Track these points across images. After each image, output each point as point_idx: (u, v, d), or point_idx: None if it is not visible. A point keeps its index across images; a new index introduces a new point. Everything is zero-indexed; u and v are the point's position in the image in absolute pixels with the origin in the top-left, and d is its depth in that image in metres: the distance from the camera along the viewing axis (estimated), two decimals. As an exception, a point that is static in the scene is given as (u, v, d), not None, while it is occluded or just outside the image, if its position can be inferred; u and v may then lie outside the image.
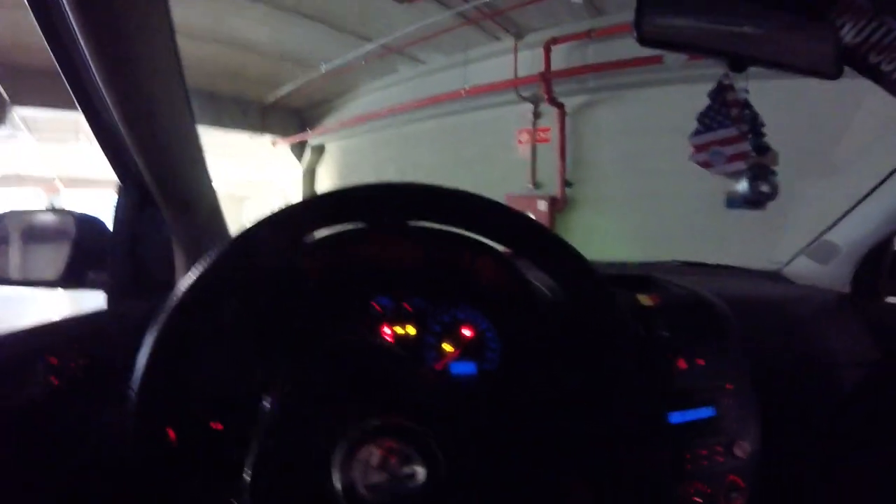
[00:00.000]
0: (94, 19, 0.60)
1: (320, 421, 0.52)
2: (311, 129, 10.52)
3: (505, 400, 0.65)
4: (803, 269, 1.38)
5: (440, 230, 0.85)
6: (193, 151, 0.84)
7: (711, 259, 1.59)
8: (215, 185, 0.94)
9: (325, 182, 10.86)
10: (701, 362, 0.89)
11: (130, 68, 0.67)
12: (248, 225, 0.53)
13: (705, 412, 0.86)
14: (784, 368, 1.03)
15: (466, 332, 0.91)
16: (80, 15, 0.59)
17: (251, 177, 14.36)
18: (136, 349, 0.79)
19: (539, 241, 0.57)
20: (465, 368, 0.88)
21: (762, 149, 1.13)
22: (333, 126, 9.87)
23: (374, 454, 0.49)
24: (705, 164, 1.17)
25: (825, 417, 1.08)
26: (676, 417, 0.85)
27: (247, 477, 0.49)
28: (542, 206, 5.95)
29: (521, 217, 0.57)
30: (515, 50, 6.42)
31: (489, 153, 7.09)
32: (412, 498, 0.49)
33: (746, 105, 1.10)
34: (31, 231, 1.08)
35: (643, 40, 0.62)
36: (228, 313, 0.70)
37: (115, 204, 0.93)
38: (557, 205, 5.97)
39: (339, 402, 0.54)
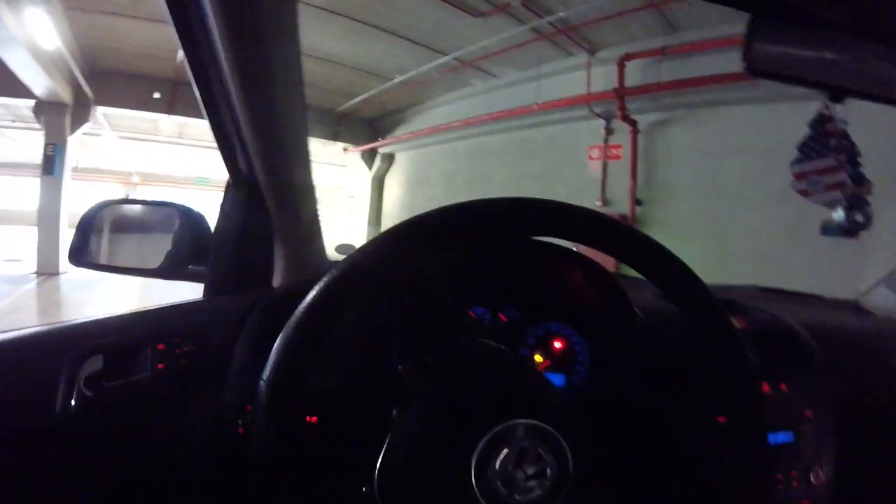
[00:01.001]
0: (235, 25, 0.66)
1: (456, 424, 0.55)
2: (382, 138, 10.77)
3: (592, 411, 0.67)
4: (882, 299, 1.32)
5: (539, 243, 0.88)
6: (304, 155, 0.90)
7: (787, 285, 1.55)
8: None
9: (394, 189, 11.08)
10: (784, 388, 0.88)
11: (263, 73, 0.73)
12: (386, 232, 0.57)
13: (784, 437, 0.85)
14: (863, 400, 1.00)
15: (557, 345, 0.93)
16: (223, 21, 0.65)
17: (323, 181, 14.82)
18: (234, 340, 0.86)
19: (666, 267, 0.59)
20: (555, 380, 0.90)
21: (859, 179, 1.12)
22: (404, 136, 10.09)
23: (509, 454, 0.52)
24: (804, 193, 1.18)
25: None
26: None
27: (376, 476, 0.54)
28: (610, 223, 5.85)
29: (651, 242, 0.59)
30: (589, 65, 6.41)
31: (558, 168, 7.07)
32: (546, 493, 0.52)
33: (844, 135, 1.09)
34: (135, 221, 1.15)
35: (752, 70, 0.62)
36: (350, 316, 0.74)
37: (224, 201, 1.00)
38: (627, 223, 5.84)
39: (470, 406, 0.57)
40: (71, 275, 9.25)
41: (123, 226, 1.13)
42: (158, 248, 1.06)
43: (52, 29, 6.13)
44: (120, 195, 18.30)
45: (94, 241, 1.07)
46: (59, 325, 0.83)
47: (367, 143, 11.06)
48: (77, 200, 10.05)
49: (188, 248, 1.04)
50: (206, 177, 17.36)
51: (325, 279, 0.54)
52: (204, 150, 14.21)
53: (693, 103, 5.49)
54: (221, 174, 0.97)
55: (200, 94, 0.82)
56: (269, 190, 0.91)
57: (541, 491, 0.52)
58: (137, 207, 1.21)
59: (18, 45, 6.05)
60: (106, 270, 1.06)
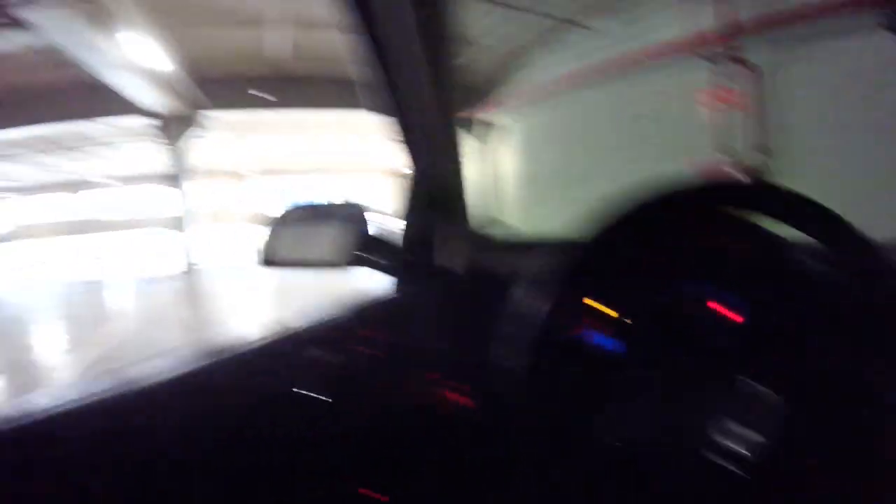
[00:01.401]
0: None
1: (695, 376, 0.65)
2: (480, 106, 10.72)
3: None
4: None
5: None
6: (458, 138, 1.01)
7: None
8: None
9: (503, 157, 11.02)
10: None
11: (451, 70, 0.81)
12: (620, 212, 0.66)
13: None
14: None
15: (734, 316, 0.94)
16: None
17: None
18: (429, 331, 0.94)
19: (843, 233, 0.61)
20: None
21: None
22: (503, 101, 9.98)
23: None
24: None
25: None
26: None
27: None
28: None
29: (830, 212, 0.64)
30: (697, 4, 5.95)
31: (669, 118, 6.66)
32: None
33: None
34: (313, 220, 1.25)
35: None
36: None
37: (409, 195, 1.11)
38: (750, 174, 5.46)
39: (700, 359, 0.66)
40: (201, 269, 10.34)
41: (305, 224, 1.25)
42: (332, 241, 1.15)
43: (158, 47, 6.64)
44: (243, 191, 19.62)
45: (278, 242, 1.21)
46: (274, 334, 0.94)
47: (463, 112, 11.02)
48: (203, 202, 11.03)
49: (359, 238, 1.14)
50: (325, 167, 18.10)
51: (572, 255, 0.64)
52: (316, 140, 14.89)
53: (817, 35, 4.97)
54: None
55: (392, 93, 0.91)
56: (438, 177, 0.99)
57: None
58: (313, 209, 1.31)
59: (127, 68, 6.64)
60: (295, 266, 1.20)
